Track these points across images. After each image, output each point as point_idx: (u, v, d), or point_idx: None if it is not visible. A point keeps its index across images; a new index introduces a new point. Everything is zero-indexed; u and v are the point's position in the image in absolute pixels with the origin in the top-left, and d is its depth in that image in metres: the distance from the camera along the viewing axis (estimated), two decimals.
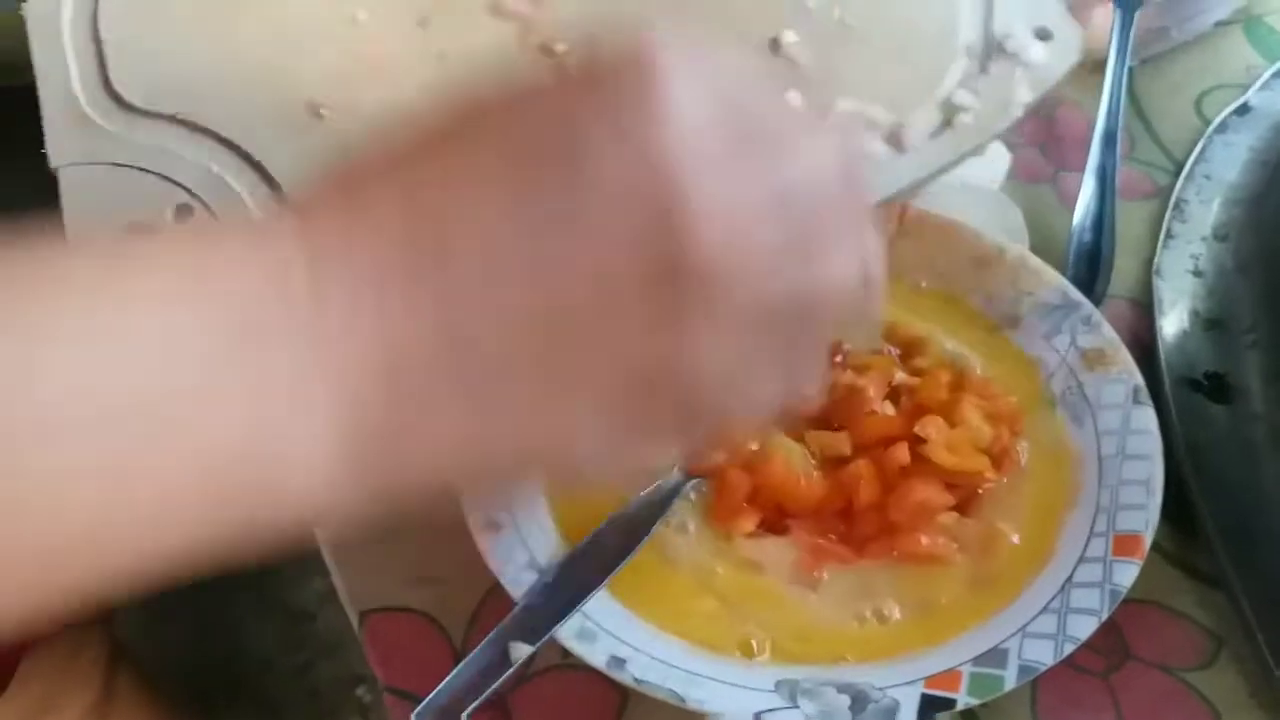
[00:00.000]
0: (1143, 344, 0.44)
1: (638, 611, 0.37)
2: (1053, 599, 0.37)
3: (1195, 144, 0.49)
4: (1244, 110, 0.50)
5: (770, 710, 0.35)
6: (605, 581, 0.37)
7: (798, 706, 0.35)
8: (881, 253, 0.28)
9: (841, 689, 0.35)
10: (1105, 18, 0.51)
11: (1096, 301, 0.44)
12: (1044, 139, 0.51)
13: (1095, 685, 0.38)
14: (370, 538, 0.40)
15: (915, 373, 0.42)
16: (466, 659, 0.35)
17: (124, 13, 0.43)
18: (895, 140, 0.40)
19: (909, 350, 0.42)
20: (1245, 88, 0.51)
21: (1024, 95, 0.41)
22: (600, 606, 0.37)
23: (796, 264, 0.25)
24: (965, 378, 0.42)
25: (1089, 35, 0.52)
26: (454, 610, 0.39)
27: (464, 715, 0.33)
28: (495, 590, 0.37)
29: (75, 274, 0.23)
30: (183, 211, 0.39)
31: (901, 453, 0.39)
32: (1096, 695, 0.38)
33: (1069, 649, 0.35)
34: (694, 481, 0.40)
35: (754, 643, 0.37)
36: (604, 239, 0.24)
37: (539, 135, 0.24)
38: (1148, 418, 0.40)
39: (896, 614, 0.38)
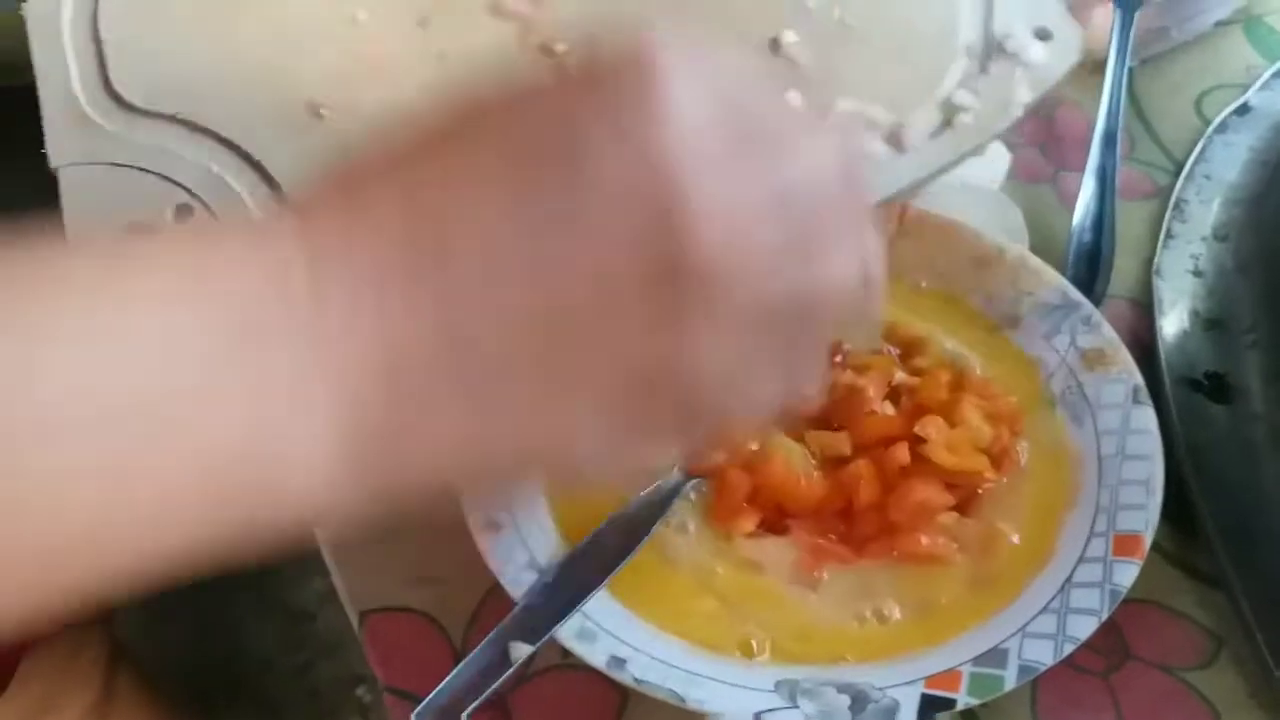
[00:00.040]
0: (1143, 344, 0.44)
1: (638, 611, 0.37)
2: (1053, 599, 0.37)
3: (1195, 144, 0.49)
4: (1244, 110, 0.50)
5: (770, 710, 0.35)
6: (605, 581, 0.37)
7: (798, 706, 0.35)
8: (882, 253, 0.28)
9: (841, 689, 0.35)
10: (1105, 18, 0.51)
11: (1096, 301, 0.44)
12: (1044, 139, 0.51)
13: (1095, 685, 0.38)
14: (370, 538, 0.40)
15: (915, 373, 0.42)
16: (466, 659, 0.35)
17: (124, 13, 0.43)
18: (895, 140, 0.40)
19: (909, 350, 0.42)
20: (1245, 88, 0.51)
21: (1024, 95, 0.41)
22: (600, 606, 0.37)
23: (796, 263, 0.25)
24: (965, 378, 0.42)
25: (1089, 35, 0.52)
26: (454, 610, 0.39)
27: (464, 715, 0.33)
28: (495, 590, 0.37)
29: (75, 274, 0.23)
30: (183, 211, 0.39)
31: (901, 453, 0.39)
32: (1096, 695, 0.38)
33: (1069, 649, 0.35)
34: (694, 481, 0.40)
35: (754, 643, 0.37)
36: (604, 239, 0.24)
37: (539, 135, 0.25)
38: (1147, 417, 0.40)
39: (897, 614, 0.38)
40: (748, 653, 0.37)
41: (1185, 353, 0.43)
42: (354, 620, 0.40)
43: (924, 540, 0.38)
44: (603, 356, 0.25)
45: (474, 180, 0.24)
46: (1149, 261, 0.46)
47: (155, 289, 0.23)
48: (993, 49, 0.42)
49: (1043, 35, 0.43)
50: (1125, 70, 0.50)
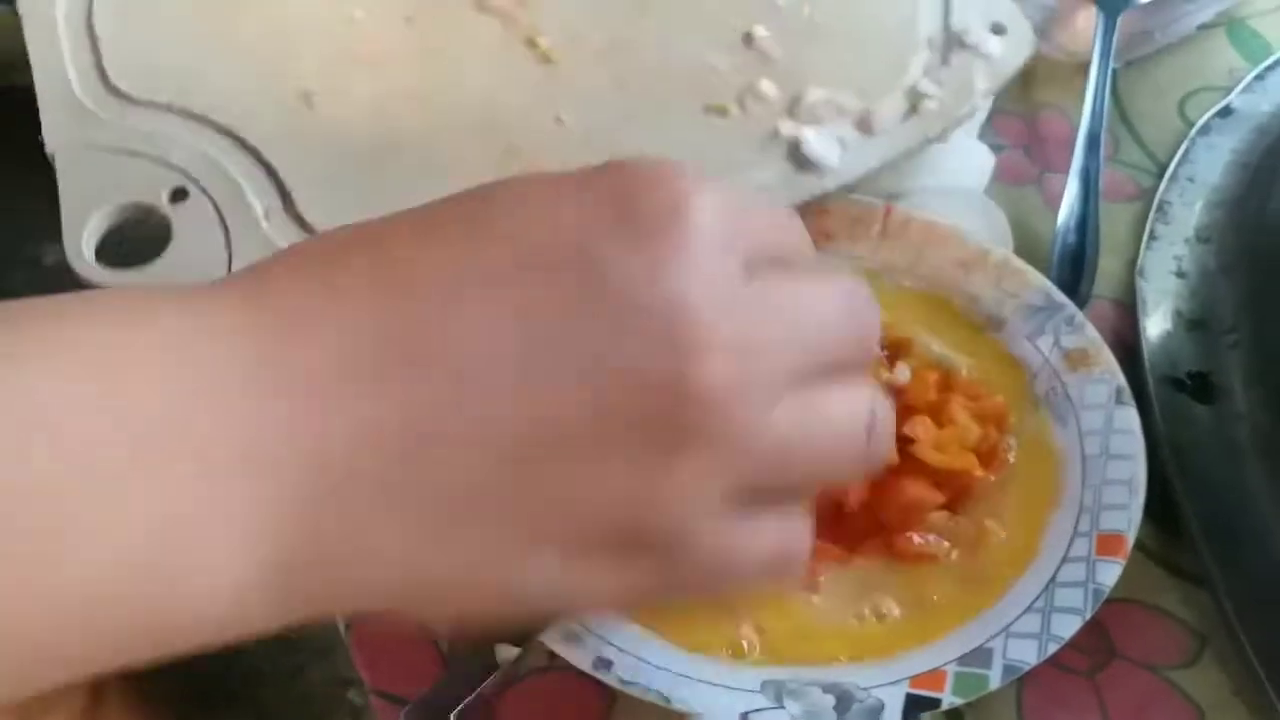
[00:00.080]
0: (1126, 344, 0.44)
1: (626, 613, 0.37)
2: (1037, 598, 0.37)
3: (1178, 146, 0.50)
4: (1226, 113, 0.50)
5: (755, 711, 0.35)
6: None
7: (783, 707, 0.35)
8: (890, 408, 0.27)
9: (827, 689, 0.35)
10: (1088, 21, 0.52)
11: (1081, 302, 0.45)
12: (1028, 141, 0.51)
13: (1081, 684, 0.38)
14: None
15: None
16: (453, 661, 0.35)
17: (119, 7, 0.44)
18: (864, 125, 0.43)
19: (895, 352, 0.43)
20: (1228, 90, 0.51)
21: (983, 84, 0.44)
22: None
23: (804, 409, 0.24)
24: (952, 378, 0.42)
25: (1073, 38, 0.53)
26: None
27: (451, 717, 0.34)
28: None
29: None
30: (178, 195, 0.39)
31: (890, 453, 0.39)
32: (1082, 694, 0.38)
33: (1053, 648, 0.35)
34: None
35: (744, 644, 0.37)
36: (605, 366, 0.22)
37: (553, 243, 0.23)
38: (1130, 418, 0.40)
39: (896, 612, 0.38)
40: (738, 653, 0.37)
41: (1168, 353, 0.44)
42: (341, 624, 0.40)
43: (915, 539, 0.39)
44: (582, 499, 0.22)
45: (472, 278, 0.22)
46: (1132, 263, 0.47)
47: (54, 377, 0.20)
48: (952, 42, 0.45)
49: (998, 30, 0.46)
50: (1109, 73, 0.50)
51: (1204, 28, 0.54)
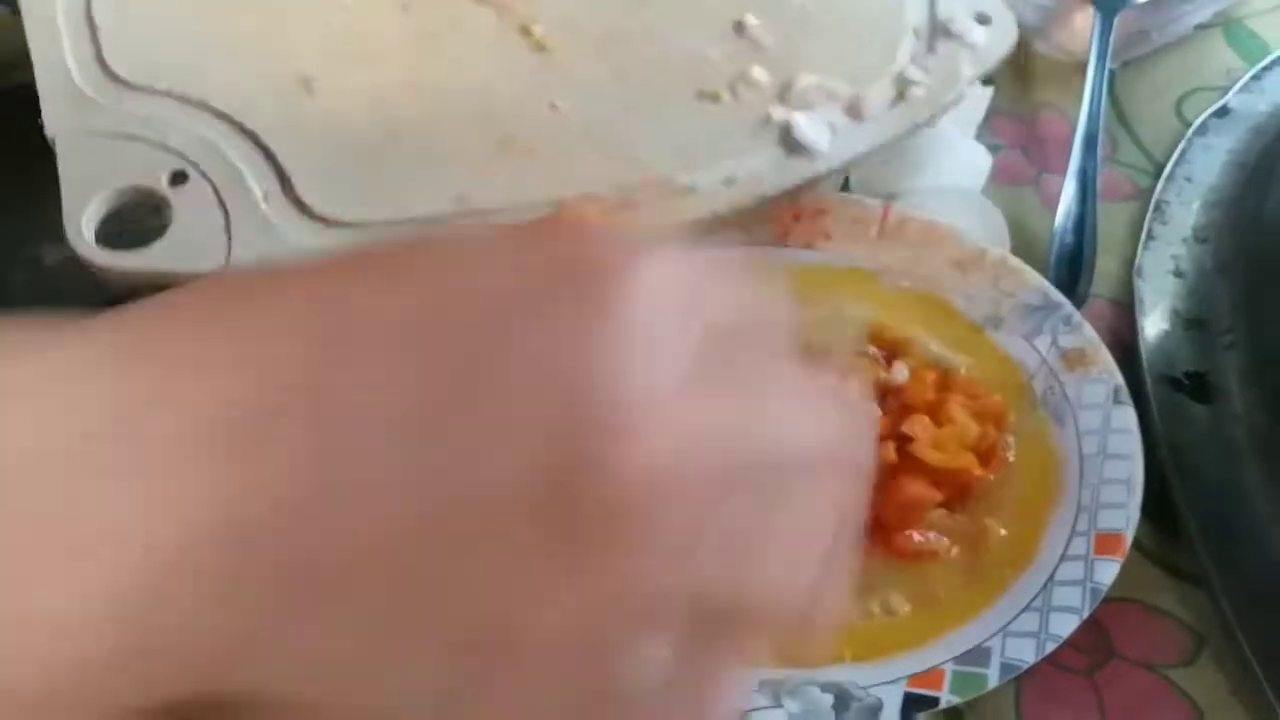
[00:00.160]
0: (1124, 344, 0.44)
1: None
2: (1035, 597, 0.37)
3: (1176, 146, 0.50)
4: (1223, 113, 0.50)
5: (754, 709, 0.35)
6: None
7: (781, 706, 0.35)
8: (848, 572, 0.22)
9: (825, 688, 0.36)
10: (1086, 21, 0.52)
11: (1078, 302, 0.45)
12: (1026, 141, 0.51)
13: (1079, 683, 0.38)
14: None
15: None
16: None
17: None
18: (854, 111, 0.43)
19: (893, 352, 0.43)
20: (1225, 90, 0.51)
21: (968, 72, 0.45)
22: None
23: (733, 549, 0.20)
24: (951, 378, 0.42)
25: (1070, 38, 0.53)
26: None
27: None
28: None
29: None
30: (178, 178, 0.40)
31: (888, 451, 0.39)
32: (1080, 693, 0.38)
33: (1050, 647, 0.35)
34: None
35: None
36: (505, 448, 0.19)
37: (476, 299, 0.20)
38: (1128, 417, 0.40)
39: (905, 608, 0.38)
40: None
41: (1166, 352, 0.44)
42: None
43: (915, 536, 0.39)
44: (464, 601, 0.19)
45: (375, 327, 0.19)
46: (1130, 262, 0.47)
47: None
48: (938, 31, 0.46)
49: (982, 19, 0.46)
50: (1106, 73, 0.50)
51: (1201, 28, 0.54)
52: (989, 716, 0.38)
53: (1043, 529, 0.39)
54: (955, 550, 0.39)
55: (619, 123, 0.43)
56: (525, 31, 0.45)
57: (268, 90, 0.42)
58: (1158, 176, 0.49)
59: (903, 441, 0.39)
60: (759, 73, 0.43)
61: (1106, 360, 0.41)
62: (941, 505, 0.39)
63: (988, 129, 0.50)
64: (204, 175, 0.40)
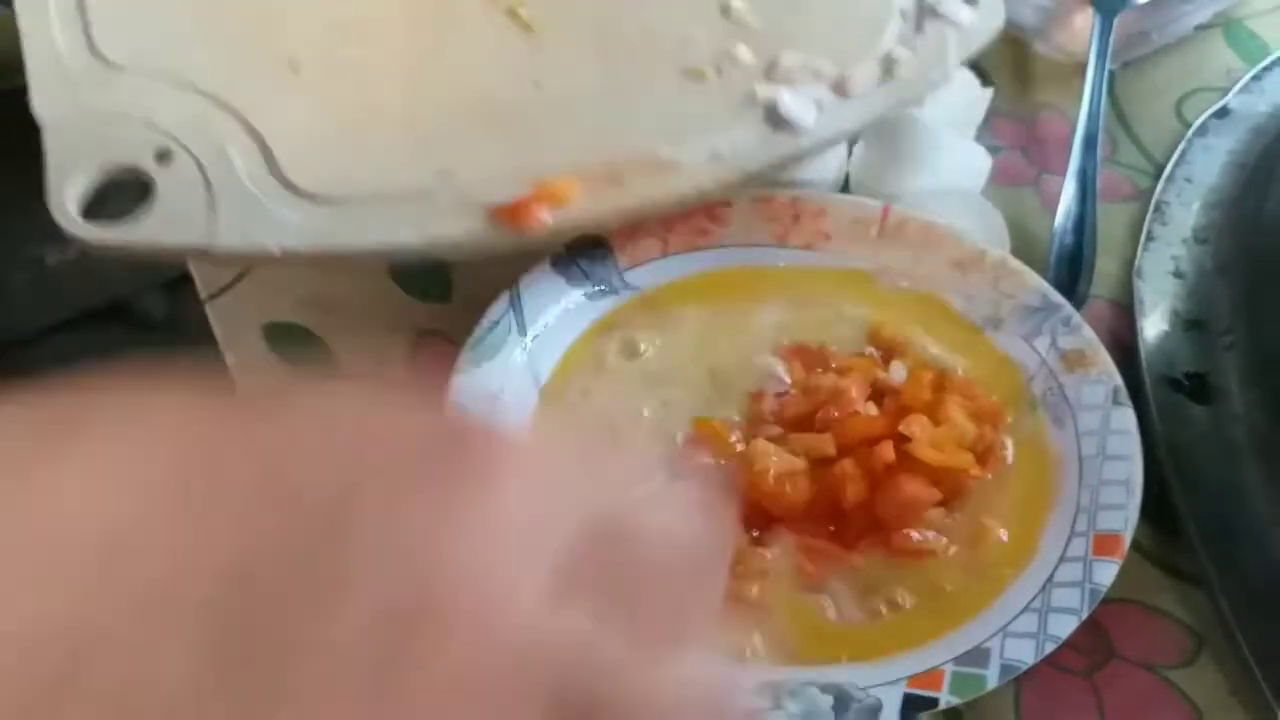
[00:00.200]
0: (1124, 345, 0.44)
1: None
2: (1034, 598, 0.37)
3: (1175, 147, 0.50)
4: (1223, 113, 0.50)
5: (755, 711, 0.35)
6: None
7: (781, 707, 0.35)
8: None
9: (825, 689, 0.36)
10: (1086, 22, 0.52)
11: (1078, 303, 0.45)
12: (1026, 142, 0.51)
13: (1079, 684, 0.39)
14: None
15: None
16: None
17: None
18: (840, 89, 0.43)
19: (891, 352, 0.43)
20: (1225, 91, 0.51)
21: (956, 53, 0.45)
22: None
23: None
24: (948, 378, 0.42)
25: (1070, 39, 0.53)
26: None
27: None
28: None
29: None
30: (163, 155, 0.40)
31: (886, 451, 0.39)
32: (1080, 694, 0.38)
33: (1050, 648, 0.35)
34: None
35: (747, 650, 0.37)
36: (338, 612, 0.18)
37: (319, 473, 0.19)
38: (1127, 418, 0.40)
39: (909, 602, 0.38)
40: (739, 657, 0.37)
41: (1166, 353, 0.44)
42: None
43: (914, 536, 0.39)
44: None
45: (224, 479, 0.19)
46: (1130, 263, 0.47)
47: None
48: (925, 11, 0.45)
49: (969, 0, 0.46)
50: (1105, 74, 0.50)
51: (1201, 28, 0.54)
52: (989, 717, 0.38)
53: (1042, 530, 0.39)
54: (954, 549, 0.39)
55: (604, 100, 0.43)
56: (512, 13, 0.45)
57: (254, 71, 0.42)
58: (1158, 177, 0.49)
59: (900, 441, 0.39)
60: (744, 52, 0.43)
61: (1106, 361, 0.41)
62: (939, 505, 0.39)
63: (987, 130, 0.50)
64: (188, 152, 0.40)
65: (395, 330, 0.46)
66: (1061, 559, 0.38)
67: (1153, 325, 0.45)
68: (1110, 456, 0.39)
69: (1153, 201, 0.48)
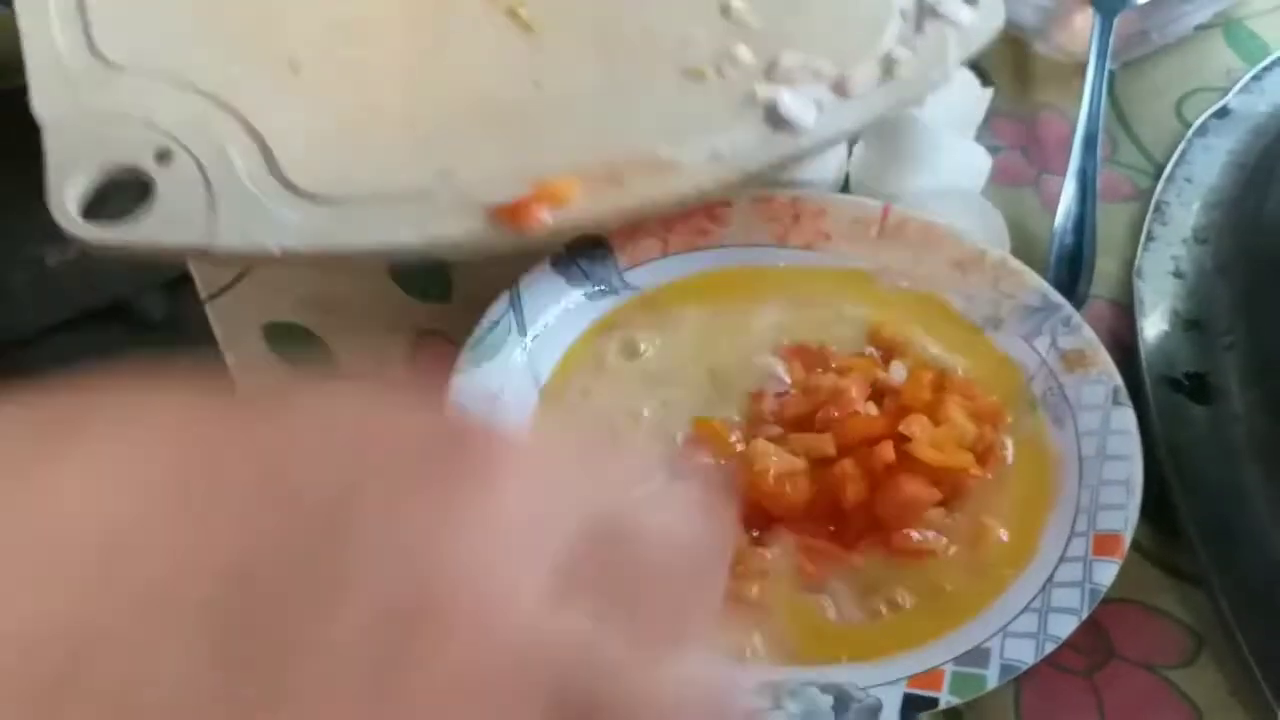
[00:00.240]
0: (1124, 345, 0.44)
1: None
2: (1034, 598, 0.37)
3: (1175, 147, 0.50)
4: (1223, 113, 0.50)
5: (755, 711, 0.35)
6: None
7: (782, 707, 0.35)
8: None
9: (825, 689, 0.36)
10: (1086, 22, 0.52)
11: (1078, 303, 0.45)
12: (1026, 142, 0.51)
13: (1079, 684, 0.39)
14: None
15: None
16: None
17: None
18: (840, 89, 0.43)
19: (890, 352, 0.43)
20: (1225, 91, 0.51)
21: (956, 52, 0.45)
22: None
23: None
24: (947, 378, 0.42)
25: (1070, 39, 0.53)
26: None
27: None
28: None
29: None
30: (163, 155, 0.40)
31: (886, 451, 0.39)
32: (1080, 694, 0.38)
33: (1049, 648, 0.36)
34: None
35: (747, 651, 0.37)
36: (338, 612, 0.18)
37: (319, 473, 0.19)
38: (1127, 418, 0.40)
39: (909, 602, 0.38)
40: (739, 657, 0.37)
41: (1166, 353, 0.44)
42: None
43: (914, 536, 0.39)
44: None
45: (224, 479, 0.19)
46: (1130, 263, 0.47)
47: None
48: (925, 11, 0.45)
49: (969, 0, 0.46)
50: (1105, 74, 0.50)
51: (1201, 28, 0.54)
52: (989, 717, 0.38)
53: (1042, 530, 0.39)
54: (954, 549, 0.39)
55: (604, 100, 0.43)
56: (512, 13, 0.45)
57: (254, 71, 0.42)
58: (1157, 177, 0.49)
59: (900, 441, 0.39)
60: (744, 52, 0.43)
61: (1106, 361, 0.41)
62: (939, 505, 0.39)
63: (987, 130, 0.50)
64: (189, 152, 0.40)
65: (395, 330, 0.46)
66: (1061, 559, 0.38)
67: (1153, 325, 0.45)
68: (1110, 456, 0.39)
69: (1153, 201, 0.48)
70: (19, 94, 0.43)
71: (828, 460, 0.40)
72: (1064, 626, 0.36)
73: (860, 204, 0.45)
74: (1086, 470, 0.39)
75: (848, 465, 0.39)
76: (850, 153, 0.48)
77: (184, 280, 0.49)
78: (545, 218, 0.40)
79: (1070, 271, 0.46)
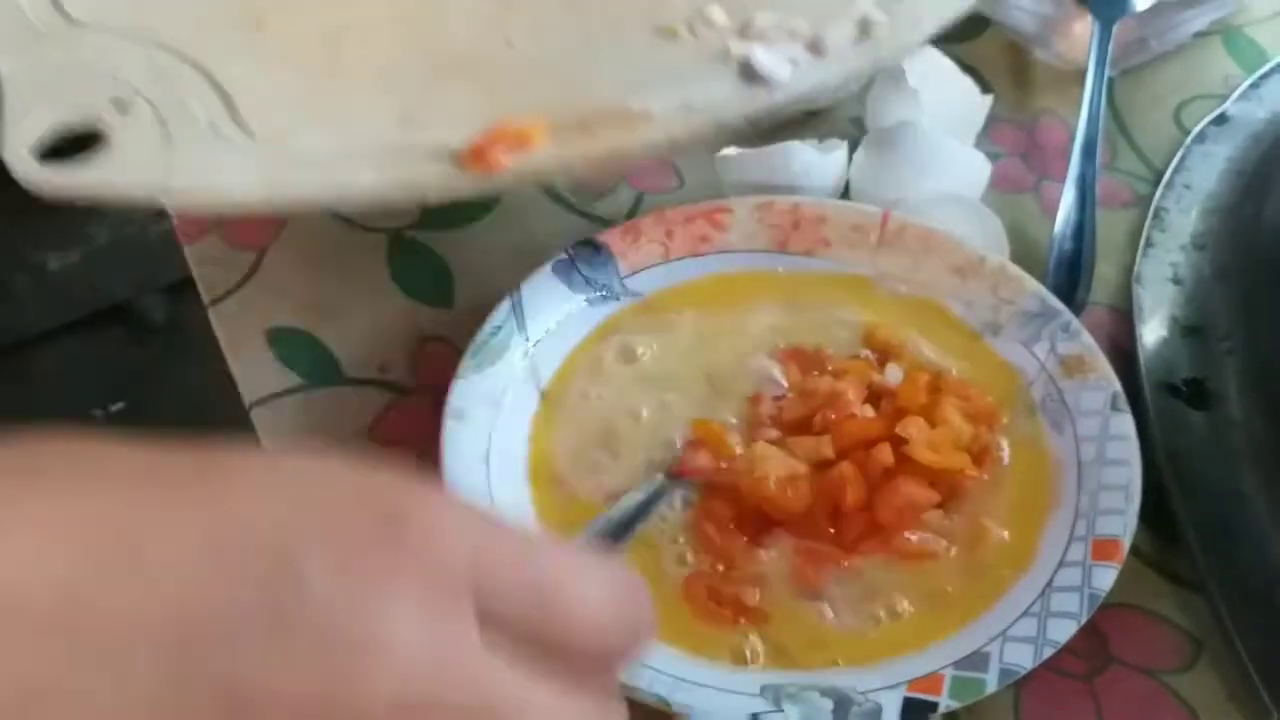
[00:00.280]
0: (1123, 350, 0.44)
1: None
2: (1033, 603, 0.37)
3: (1174, 154, 0.50)
4: (1222, 120, 0.51)
5: (755, 715, 0.35)
6: None
7: (782, 711, 0.35)
8: None
9: (825, 693, 0.36)
10: (1085, 29, 0.52)
11: (1077, 309, 0.45)
12: (1025, 149, 0.51)
13: (1078, 688, 0.39)
14: None
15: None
16: None
17: None
18: (816, 48, 0.42)
19: (886, 354, 0.43)
20: (1223, 98, 0.52)
21: (932, 18, 0.43)
22: None
23: None
24: (943, 379, 0.42)
25: (1069, 46, 0.53)
26: None
27: None
28: None
29: None
30: (121, 105, 0.39)
31: (884, 453, 0.39)
32: (1079, 698, 0.39)
33: (1048, 652, 0.36)
34: (680, 485, 0.40)
35: (747, 652, 0.37)
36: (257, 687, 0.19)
37: (253, 535, 0.20)
38: (1126, 424, 0.40)
39: (909, 609, 0.38)
40: (739, 660, 0.37)
41: (1164, 359, 0.44)
42: None
43: (913, 538, 0.39)
44: None
45: (155, 534, 0.20)
46: (1129, 269, 0.47)
47: None
48: None
49: None
50: (1105, 81, 0.50)
51: (1200, 35, 0.54)
52: None
53: (1041, 534, 0.39)
54: (954, 551, 0.39)
55: (574, 55, 0.42)
56: None
57: (220, 28, 0.42)
58: (1156, 184, 0.49)
59: (897, 444, 0.40)
60: (717, 13, 0.42)
61: (1105, 367, 0.42)
62: (937, 506, 0.40)
63: (987, 136, 0.51)
64: (148, 101, 0.39)
65: (397, 335, 0.46)
66: (1061, 564, 0.38)
67: (1151, 331, 0.45)
68: (1109, 462, 0.40)
69: (1152, 208, 0.48)
70: None
71: (826, 463, 0.40)
72: (1063, 631, 0.36)
73: (860, 210, 0.46)
74: (1085, 475, 0.40)
75: (846, 468, 0.39)
76: (850, 159, 0.48)
77: (185, 284, 0.49)
78: (504, 159, 0.38)
79: (1069, 277, 0.46)
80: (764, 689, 0.36)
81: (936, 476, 0.39)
